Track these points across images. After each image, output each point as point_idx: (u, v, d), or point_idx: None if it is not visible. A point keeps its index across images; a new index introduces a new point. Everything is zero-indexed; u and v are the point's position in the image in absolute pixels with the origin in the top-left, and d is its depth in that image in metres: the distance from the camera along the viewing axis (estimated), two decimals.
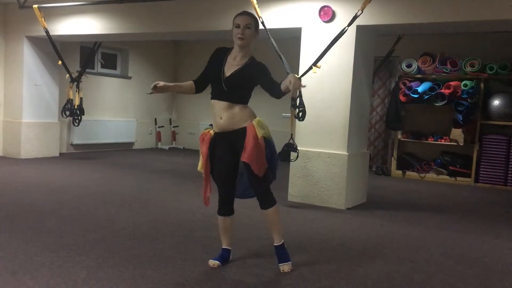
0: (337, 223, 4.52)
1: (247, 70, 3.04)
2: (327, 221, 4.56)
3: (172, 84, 3.18)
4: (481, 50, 7.55)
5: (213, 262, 3.13)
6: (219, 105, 3.04)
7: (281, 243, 3.13)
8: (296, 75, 2.94)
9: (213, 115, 3.08)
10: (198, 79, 3.23)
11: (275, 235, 3.14)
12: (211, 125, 3.18)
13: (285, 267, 3.10)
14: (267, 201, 3.09)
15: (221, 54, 3.14)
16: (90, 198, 5.04)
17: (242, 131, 3.01)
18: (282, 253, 3.13)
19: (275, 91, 2.98)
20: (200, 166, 3.16)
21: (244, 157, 2.97)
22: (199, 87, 3.22)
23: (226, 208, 3.19)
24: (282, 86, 2.88)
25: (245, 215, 4.39)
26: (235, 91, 3.04)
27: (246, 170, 3.04)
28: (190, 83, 3.22)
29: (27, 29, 7.55)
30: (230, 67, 3.06)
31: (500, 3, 4.36)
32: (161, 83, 3.12)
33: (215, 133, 3.10)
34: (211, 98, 3.09)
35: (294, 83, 2.73)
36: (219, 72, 3.05)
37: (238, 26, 3.02)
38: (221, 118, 3.04)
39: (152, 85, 3.12)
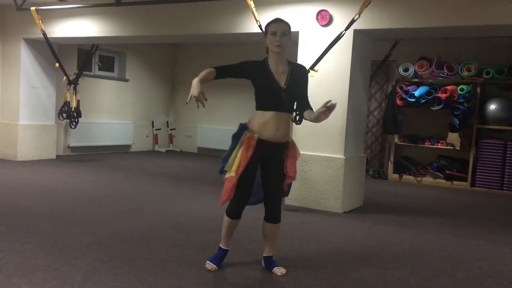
0: (334, 226, 4.52)
1: (295, 75, 3.05)
2: (323, 225, 4.56)
3: (201, 80, 2.87)
4: (477, 54, 7.58)
5: (211, 266, 3.12)
6: (279, 117, 2.97)
7: (271, 254, 3.19)
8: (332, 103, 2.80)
9: (267, 126, 2.96)
10: (222, 70, 3.02)
11: (271, 247, 3.19)
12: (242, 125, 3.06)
13: (281, 270, 3.12)
14: (279, 216, 3.12)
15: (262, 66, 3.02)
16: (87, 200, 5.03)
17: (285, 145, 3.06)
18: (272, 262, 3.18)
19: (303, 109, 3.06)
20: (234, 168, 2.95)
21: (291, 172, 3.07)
22: (218, 76, 3.03)
23: (240, 212, 3.15)
24: (312, 116, 2.89)
25: None
26: (293, 100, 3.07)
27: (274, 183, 3.06)
28: (211, 70, 2.97)
29: (24, 31, 7.54)
30: (280, 77, 3.00)
31: (496, 7, 4.38)
32: (196, 91, 2.82)
33: (259, 140, 2.96)
34: (266, 110, 2.96)
35: (326, 115, 2.78)
36: (275, 82, 2.98)
37: (274, 34, 2.96)
38: (278, 130, 2.98)
39: (189, 97, 2.88)
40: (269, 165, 3.04)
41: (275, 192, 3.09)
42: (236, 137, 3.02)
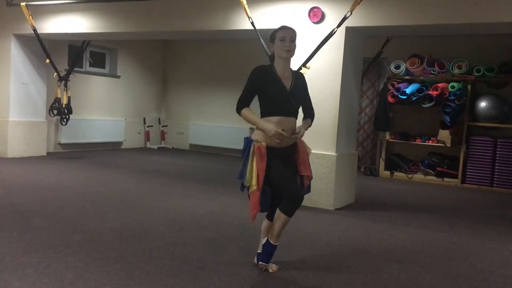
0: (326, 223, 4.54)
1: (299, 81, 3.12)
2: (315, 222, 4.58)
3: (257, 121, 3.02)
4: (468, 52, 7.63)
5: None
6: (288, 122, 3.01)
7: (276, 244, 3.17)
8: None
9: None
10: (247, 101, 3.10)
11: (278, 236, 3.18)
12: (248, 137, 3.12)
13: (272, 266, 3.14)
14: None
15: (269, 71, 3.05)
16: (78, 198, 5.01)
17: (294, 146, 3.11)
18: (271, 253, 3.15)
19: (306, 115, 3.19)
20: (253, 181, 2.94)
21: (307, 172, 3.13)
22: (249, 106, 3.12)
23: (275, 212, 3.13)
24: (301, 129, 3.06)
25: (229, 216, 4.37)
26: (298, 104, 3.11)
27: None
28: (248, 109, 3.09)
29: (14, 27, 7.47)
30: (286, 81, 3.05)
31: (488, 6, 4.41)
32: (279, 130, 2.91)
33: (268, 147, 2.97)
34: (273, 115, 2.99)
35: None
36: (282, 87, 3.02)
37: (283, 40, 3.01)
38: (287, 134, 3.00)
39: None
40: (279, 169, 3.00)
41: (299, 188, 3.10)
42: (245, 152, 3.03)
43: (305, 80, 3.22)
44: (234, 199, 5.42)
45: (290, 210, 2.96)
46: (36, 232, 3.68)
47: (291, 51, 3.04)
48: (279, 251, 3.45)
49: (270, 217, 3.16)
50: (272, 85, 3.02)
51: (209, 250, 3.48)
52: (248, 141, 3.05)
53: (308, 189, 3.24)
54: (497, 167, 7.30)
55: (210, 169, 7.85)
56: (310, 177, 3.21)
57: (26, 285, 2.67)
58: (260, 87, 3.04)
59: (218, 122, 10.17)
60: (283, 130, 2.93)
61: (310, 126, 3.17)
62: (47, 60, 7.24)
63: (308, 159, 3.20)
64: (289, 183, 2.99)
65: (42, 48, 7.18)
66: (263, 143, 2.97)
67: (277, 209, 3.02)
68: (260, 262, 3.12)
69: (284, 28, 3.09)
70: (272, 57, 3.13)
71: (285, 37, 3.02)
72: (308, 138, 3.32)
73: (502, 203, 6.34)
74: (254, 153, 2.96)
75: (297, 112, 3.12)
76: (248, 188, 3.00)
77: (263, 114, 3.05)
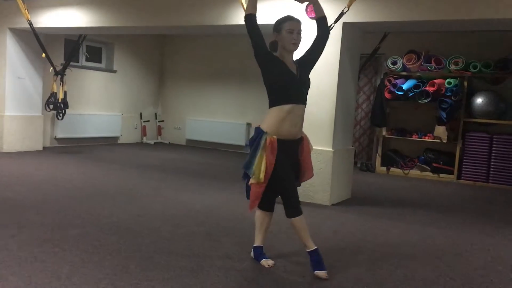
0: (322, 219, 4.55)
1: (302, 68, 3.07)
2: (312, 217, 4.58)
3: None
4: (465, 48, 7.63)
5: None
6: (298, 110, 2.98)
7: (262, 245, 3.22)
8: None
9: (285, 122, 2.94)
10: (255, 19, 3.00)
11: (264, 238, 3.23)
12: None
13: (269, 262, 3.14)
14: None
15: (278, 59, 3.01)
16: (74, 192, 5.00)
17: (300, 141, 3.08)
18: (261, 253, 3.19)
19: (321, 35, 3.14)
20: (261, 175, 2.89)
21: (309, 171, 3.14)
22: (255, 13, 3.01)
23: (273, 204, 3.17)
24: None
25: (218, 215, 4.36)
26: (307, 91, 3.08)
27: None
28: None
29: (10, 21, 7.43)
30: (292, 69, 3.02)
31: (485, 2, 4.41)
32: None
33: (278, 140, 2.93)
34: (285, 103, 2.93)
35: None
36: (293, 74, 2.99)
37: (291, 32, 2.97)
38: (295, 125, 2.98)
39: None
40: (283, 164, 2.97)
41: (294, 186, 3.06)
42: (255, 142, 2.95)
43: (304, 56, 3.16)
44: (231, 194, 5.42)
45: (296, 211, 2.97)
46: (32, 227, 3.68)
47: (297, 44, 3.01)
48: (276, 246, 3.46)
49: (263, 207, 3.16)
50: (282, 71, 2.97)
51: (205, 244, 3.49)
52: (259, 132, 2.95)
53: (298, 183, 3.22)
54: (492, 163, 7.33)
55: (206, 164, 7.85)
56: (310, 176, 3.19)
57: (22, 280, 2.66)
58: (269, 54, 2.98)
59: (215, 117, 10.16)
60: (285, 120, 2.91)
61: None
62: (43, 55, 7.21)
63: (310, 156, 3.18)
64: (291, 186, 2.98)
65: (38, 42, 7.15)
66: (274, 136, 2.92)
67: (290, 219, 2.99)
68: (316, 271, 2.96)
69: (291, 19, 3.03)
70: (274, 46, 3.05)
71: (293, 29, 2.98)
72: (305, 133, 3.31)
73: (498, 199, 6.36)
74: (266, 147, 2.90)
75: (306, 100, 3.08)
76: (249, 177, 2.97)
77: (274, 103, 2.97)
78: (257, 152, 2.91)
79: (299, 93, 3.01)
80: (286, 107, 2.94)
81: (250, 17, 2.97)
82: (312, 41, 3.17)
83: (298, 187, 3.13)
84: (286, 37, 2.98)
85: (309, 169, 3.16)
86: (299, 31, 3.01)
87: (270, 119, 2.96)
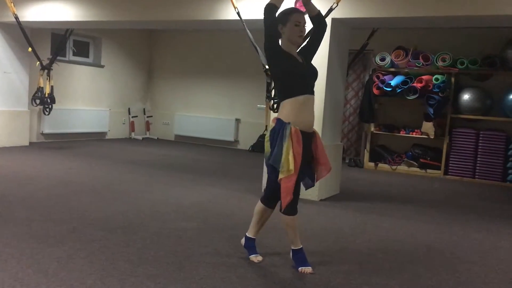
0: (311, 214, 4.56)
1: (304, 55, 3.07)
2: (300, 213, 4.53)
3: None
4: (452, 45, 7.69)
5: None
6: (311, 100, 2.96)
7: (255, 237, 3.21)
8: None
9: (302, 112, 2.91)
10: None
11: (256, 231, 3.23)
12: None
13: (258, 257, 3.15)
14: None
15: (287, 51, 2.98)
16: (61, 188, 4.96)
17: (313, 135, 3.04)
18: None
19: (319, 30, 3.12)
20: (291, 165, 2.80)
21: (327, 165, 3.07)
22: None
23: (277, 201, 3.11)
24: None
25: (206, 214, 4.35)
26: (315, 82, 3.06)
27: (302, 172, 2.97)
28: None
29: None
30: (301, 61, 3.01)
31: None
32: None
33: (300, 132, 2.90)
34: (299, 94, 2.91)
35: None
36: (303, 65, 2.97)
37: (298, 25, 2.96)
38: (311, 115, 2.97)
39: None
40: (302, 159, 2.92)
41: (298, 184, 3.01)
42: (278, 133, 2.86)
43: (304, 47, 3.14)
44: (220, 190, 5.42)
45: (294, 210, 2.98)
46: (19, 223, 3.64)
47: (303, 37, 3.02)
48: (265, 241, 3.47)
49: (266, 202, 3.11)
50: (292, 62, 2.95)
51: (194, 240, 3.48)
52: (281, 123, 2.88)
53: (313, 183, 3.16)
54: (479, 159, 7.41)
55: (195, 160, 7.83)
56: (328, 170, 3.09)
57: (8, 276, 2.64)
58: (280, 54, 2.95)
59: (204, 113, 10.13)
60: (302, 109, 2.90)
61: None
62: (29, 49, 7.11)
63: (324, 150, 3.10)
64: (297, 184, 2.94)
65: (24, 37, 7.05)
66: (297, 127, 2.88)
67: (284, 216, 2.98)
68: (300, 268, 2.97)
69: (298, 12, 3.02)
70: (277, 37, 3.01)
71: (300, 22, 2.97)
72: None
73: (484, 194, 6.44)
74: (292, 136, 2.84)
75: (313, 91, 3.06)
76: (274, 170, 2.89)
77: (288, 96, 2.92)
78: (283, 144, 2.83)
79: (309, 84, 3.01)
80: (301, 98, 2.92)
81: (273, 7, 2.93)
82: (310, 34, 3.18)
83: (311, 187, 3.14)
84: (293, 30, 2.96)
85: (325, 163, 3.07)
86: (304, 24, 3.00)
87: (288, 110, 2.90)
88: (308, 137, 2.97)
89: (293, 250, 3.05)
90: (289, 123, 2.87)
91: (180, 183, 5.67)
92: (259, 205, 3.18)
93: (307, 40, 3.16)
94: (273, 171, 2.93)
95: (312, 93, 3.01)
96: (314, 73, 3.07)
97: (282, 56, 2.96)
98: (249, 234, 3.22)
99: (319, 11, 3.15)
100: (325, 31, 3.19)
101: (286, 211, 2.96)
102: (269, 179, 3.04)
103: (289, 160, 2.81)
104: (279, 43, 3.00)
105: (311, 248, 3.49)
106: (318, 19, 3.14)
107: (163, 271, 2.85)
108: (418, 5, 4.65)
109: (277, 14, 2.98)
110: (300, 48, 3.11)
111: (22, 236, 3.32)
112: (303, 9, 5.07)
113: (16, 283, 2.56)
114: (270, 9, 2.93)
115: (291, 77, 2.94)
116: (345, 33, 5.43)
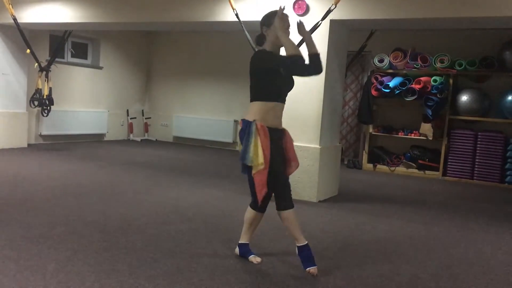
0: (309, 215, 4.56)
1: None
2: (299, 214, 4.54)
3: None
4: (450, 46, 7.70)
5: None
6: (280, 107, 3.02)
7: (248, 242, 3.23)
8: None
9: (269, 113, 2.95)
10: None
11: (250, 235, 3.24)
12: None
13: (257, 258, 3.15)
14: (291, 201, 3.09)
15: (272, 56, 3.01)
16: (60, 190, 4.95)
17: (282, 131, 3.08)
18: (248, 250, 3.20)
19: (310, 68, 3.04)
20: (260, 159, 2.85)
21: (295, 160, 3.12)
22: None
23: (267, 204, 3.14)
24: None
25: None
26: (289, 92, 3.12)
27: (279, 169, 3.00)
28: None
29: None
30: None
31: (471, 0, 4.45)
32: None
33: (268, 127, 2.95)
34: (271, 100, 2.96)
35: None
36: (281, 74, 2.97)
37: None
38: (278, 118, 3.02)
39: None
40: (273, 153, 2.94)
41: (285, 178, 3.05)
42: (245, 132, 2.92)
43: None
44: (218, 191, 5.41)
45: (290, 203, 2.99)
46: (17, 224, 3.64)
47: None
48: (263, 243, 3.47)
49: (256, 207, 3.12)
50: (276, 74, 2.95)
51: (192, 242, 3.48)
52: (247, 122, 2.94)
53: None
54: (477, 160, 7.41)
55: (194, 162, 7.82)
56: (297, 166, 3.17)
57: (6, 278, 2.63)
58: (271, 67, 2.96)
59: (202, 114, 10.13)
60: (269, 112, 2.95)
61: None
62: (28, 50, 7.12)
63: (293, 146, 3.17)
64: (284, 178, 2.99)
65: (22, 38, 7.05)
66: (262, 122, 2.91)
67: (282, 212, 2.99)
68: (308, 268, 2.94)
69: (283, 14, 3.02)
70: (261, 40, 3.04)
71: (284, 24, 2.98)
72: (292, 130, 3.32)
73: (482, 195, 6.44)
74: (258, 131, 2.88)
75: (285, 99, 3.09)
76: (250, 169, 2.92)
77: (258, 98, 2.97)
78: (250, 140, 2.88)
79: (283, 93, 3.05)
80: (270, 104, 2.97)
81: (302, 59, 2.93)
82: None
83: None
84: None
85: (294, 158, 3.14)
86: (288, 26, 3.01)
87: (254, 111, 2.96)
88: (276, 132, 3.00)
89: (298, 247, 3.02)
90: (253, 120, 2.91)
91: (178, 185, 5.66)
92: (249, 212, 3.18)
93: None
94: (250, 172, 2.96)
95: (283, 101, 3.06)
96: (291, 85, 3.09)
97: (271, 69, 2.96)
98: (242, 241, 3.23)
99: (318, 53, 3.05)
100: (317, 74, 3.08)
101: (283, 206, 2.98)
102: (249, 182, 3.05)
103: (258, 154, 2.85)
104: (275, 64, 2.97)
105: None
106: (314, 60, 3.02)
107: (161, 273, 2.85)
108: (416, 6, 4.66)
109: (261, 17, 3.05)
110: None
111: (20, 238, 3.31)
112: (301, 11, 5.11)
113: (15, 285, 2.55)
114: (301, 61, 2.92)
115: (269, 85, 2.96)
116: (343, 34, 5.43)
